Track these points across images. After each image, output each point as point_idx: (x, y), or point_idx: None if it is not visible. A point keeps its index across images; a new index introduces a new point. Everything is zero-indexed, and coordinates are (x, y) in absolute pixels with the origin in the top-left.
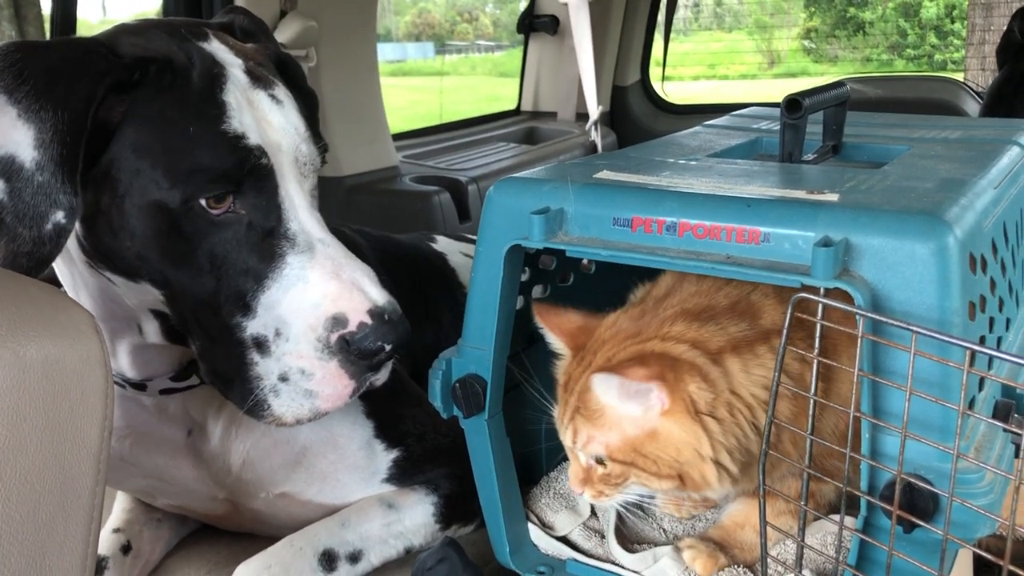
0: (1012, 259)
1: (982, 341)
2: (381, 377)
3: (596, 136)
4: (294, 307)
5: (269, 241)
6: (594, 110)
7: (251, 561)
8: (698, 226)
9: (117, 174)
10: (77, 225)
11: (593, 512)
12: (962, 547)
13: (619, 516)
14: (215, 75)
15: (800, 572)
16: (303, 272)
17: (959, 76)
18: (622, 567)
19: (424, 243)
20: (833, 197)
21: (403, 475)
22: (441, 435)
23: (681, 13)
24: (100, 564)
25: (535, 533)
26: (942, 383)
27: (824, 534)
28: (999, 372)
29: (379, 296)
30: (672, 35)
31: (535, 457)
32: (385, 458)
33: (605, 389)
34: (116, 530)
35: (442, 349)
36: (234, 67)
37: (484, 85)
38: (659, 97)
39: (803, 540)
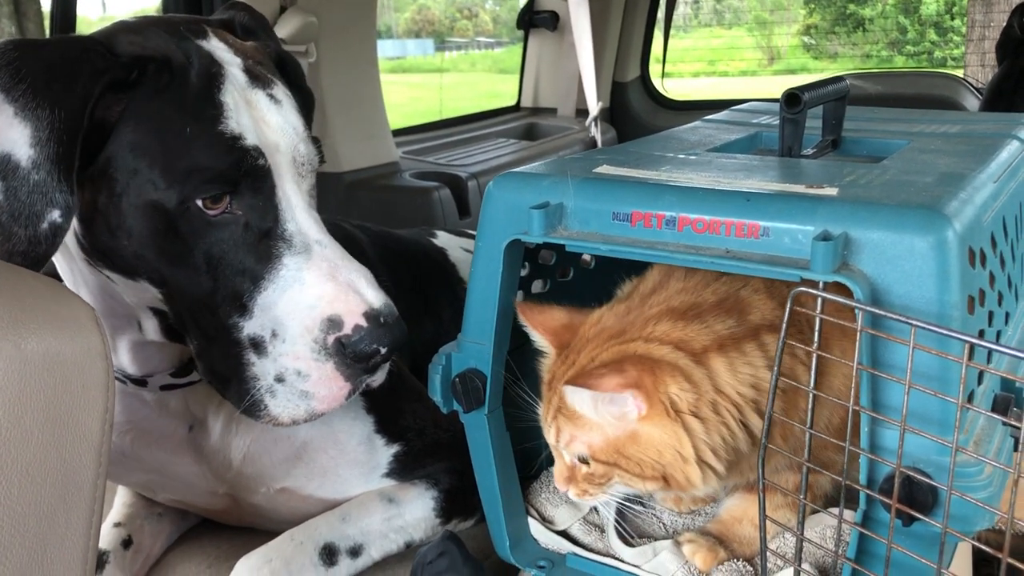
0: (1011, 253)
1: (981, 335)
2: (377, 379)
3: (596, 132)
4: (290, 308)
5: (266, 242)
6: (594, 106)
7: (252, 555)
8: (697, 220)
9: (114, 173)
10: (76, 223)
11: (593, 507)
12: (961, 540)
13: (619, 510)
14: (213, 74)
15: (799, 565)
16: (299, 273)
17: (959, 72)
18: (622, 561)
19: (424, 238)
20: (832, 191)
21: (403, 470)
22: (441, 430)
23: (681, 9)
24: (101, 558)
25: (535, 527)
26: (941, 377)
27: (823, 527)
28: (998, 366)
29: (375, 298)
30: (672, 31)
31: (535, 452)
32: (385, 453)
33: (579, 401)
34: (117, 524)
35: (442, 344)
36: (233, 66)
37: (484, 81)
38: (659, 93)
39: (802, 534)
